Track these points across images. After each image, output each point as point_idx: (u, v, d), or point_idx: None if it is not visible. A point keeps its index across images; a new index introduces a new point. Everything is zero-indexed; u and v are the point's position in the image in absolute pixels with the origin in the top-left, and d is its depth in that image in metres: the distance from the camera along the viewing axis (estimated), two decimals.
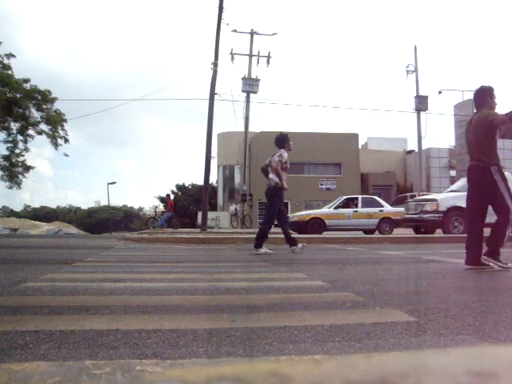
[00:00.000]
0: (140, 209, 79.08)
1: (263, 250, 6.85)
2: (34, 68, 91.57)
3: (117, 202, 77.26)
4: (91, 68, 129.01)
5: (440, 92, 24.91)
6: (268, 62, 21.77)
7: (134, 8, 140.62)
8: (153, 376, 0.65)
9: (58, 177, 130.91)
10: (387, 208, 15.38)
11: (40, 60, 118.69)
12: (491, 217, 4.19)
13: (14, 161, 23.12)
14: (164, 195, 34.13)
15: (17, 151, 23.31)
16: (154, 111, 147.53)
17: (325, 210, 15.53)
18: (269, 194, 7.08)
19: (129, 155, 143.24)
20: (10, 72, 21.69)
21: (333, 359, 0.80)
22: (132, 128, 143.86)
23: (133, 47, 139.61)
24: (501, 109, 4.66)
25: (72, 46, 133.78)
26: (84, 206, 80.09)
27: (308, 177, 29.58)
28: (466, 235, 4.62)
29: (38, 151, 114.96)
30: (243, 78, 21.12)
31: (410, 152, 32.69)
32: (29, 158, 24.35)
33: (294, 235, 8.54)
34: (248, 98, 20.95)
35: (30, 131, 23.10)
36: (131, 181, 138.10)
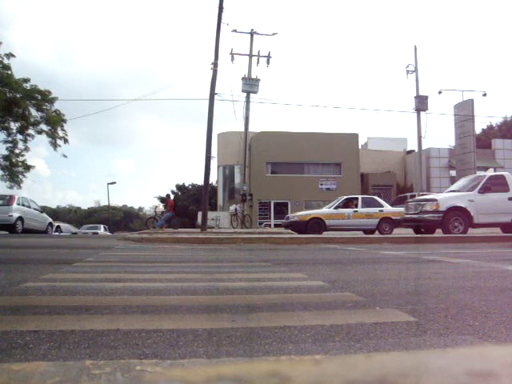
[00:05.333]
0: (140, 209, 79.23)
1: None
2: (28, 67, 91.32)
3: (117, 202, 77.27)
4: (88, 67, 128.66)
5: (440, 92, 24.91)
6: (268, 62, 21.78)
7: (133, 7, 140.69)
8: (153, 376, 0.65)
9: (56, 177, 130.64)
10: (387, 208, 15.38)
11: (34, 59, 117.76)
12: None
13: (14, 161, 23.16)
14: (164, 195, 34.17)
15: (17, 151, 23.37)
16: (154, 111, 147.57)
17: (325, 210, 15.52)
18: None
19: (129, 155, 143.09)
20: (9, 72, 21.71)
21: (333, 359, 0.80)
22: (132, 128, 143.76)
23: (132, 47, 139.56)
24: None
25: (68, 45, 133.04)
26: (84, 206, 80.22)
27: (308, 177, 29.58)
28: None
29: (34, 151, 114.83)
30: (243, 78, 21.12)
31: (409, 152, 32.69)
32: (27, 158, 24.37)
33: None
34: (248, 98, 20.95)
35: (30, 130, 23.15)
36: (131, 181, 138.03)
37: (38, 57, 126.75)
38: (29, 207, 17.22)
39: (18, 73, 22.27)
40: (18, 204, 16.38)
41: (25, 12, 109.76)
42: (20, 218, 16.06)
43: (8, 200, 16.06)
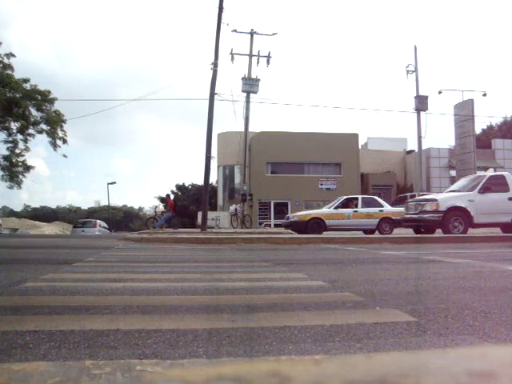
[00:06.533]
0: (140, 209, 79.27)
1: None
2: (26, 67, 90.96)
3: (117, 202, 77.28)
4: (87, 67, 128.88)
5: (440, 92, 24.90)
6: (268, 62, 21.78)
7: (133, 7, 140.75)
8: (153, 376, 0.65)
9: (56, 177, 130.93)
10: (387, 208, 15.37)
11: (32, 59, 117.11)
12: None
13: (14, 161, 23.16)
14: (164, 195, 34.17)
15: (17, 151, 23.37)
16: (154, 111, 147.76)
17: (325, 210, 15.52)
18: None
19: (128, 155, 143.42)
20: (10, 72, 21.71)
21: (333, 359, 0.80)
22: (131, 128, 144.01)
23: (131, 46, 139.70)
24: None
25: (66, 45, 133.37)
26: (84, 206, 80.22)
27: (308, 177, 29.58)
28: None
29: (34, 151, 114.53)
30: (243, 78, 21.11)
31: (409, 152, 32.69)
32: (27, 158, 24.43)
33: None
34: (248, 98, 20.94)
35: (30, 130, 23.16)
36: (131, 181, 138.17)
37: (37, 56, 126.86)
38: (105, 228, 28.67)
39: (16, 72, 22.28)
40: (100, 226, 27.79)
41: (22, 11, 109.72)
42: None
43: (93, 224, 28.07)
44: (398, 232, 14.04)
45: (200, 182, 32.49)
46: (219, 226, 23.97)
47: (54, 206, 77.29)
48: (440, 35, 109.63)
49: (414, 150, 29.44)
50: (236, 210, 20.07)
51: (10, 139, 23.11)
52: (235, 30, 20.89)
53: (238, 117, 30.13)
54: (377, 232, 14.63)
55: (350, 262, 5.82)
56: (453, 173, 28.08)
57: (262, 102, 36.07)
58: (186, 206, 37.88)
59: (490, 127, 42.65)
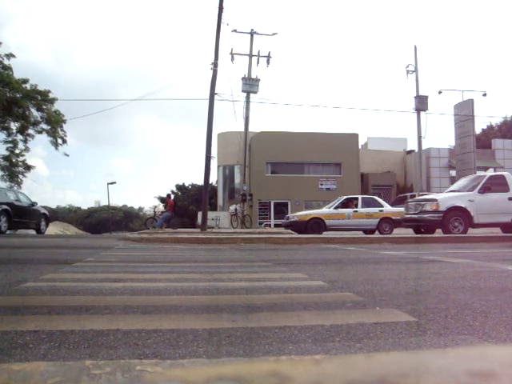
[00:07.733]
0: (140, 209, 79.30)
1: None
2: (25, 67, 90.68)
3: (117, 202, 77.31)
4: (86, 67, 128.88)
5: (440, 92, 24.89)
6: (268, 62, 21.79)
7: (133, 6, 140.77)
8: (153, 376, 0.65)
9: (55, 177, 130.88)
10: (387, 208, 15.38)
11: (30, 58, 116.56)
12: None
13: (14, 161, 23.17)
14: (164, 195, 34.21)
15: (17, 151, 23.38)
16: (154, 111, 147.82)
17: (325, 210, 15.52)
18: None
19: (128, 155, 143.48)
20: (10, 73, 21.72)
21: (333, 359, 0.80)
22: (131, 128, 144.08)
23: (131, 46, 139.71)
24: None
25: (66, 45, 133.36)
26: (84, 206, 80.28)
27: (308, 177, 29.58)
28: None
29: (33, 151, 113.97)
30: (243, 78, 21.12)
31: (409, 152, 32.70)
32: (26, 158, 24.37)
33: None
34: (248, 98, 20.94)
35: (30, 130, 23.16)
36: (131, 181, 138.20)
37: (36, 56, 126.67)
38: None
39: (15, 72, 22.26)
40: None
41: (21, 11, 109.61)
42: None
43: None
44: (398, 232, 14.03)
45: (200, 182, 32.56)
46: (219, 225, 23.97)
47: (53, 206, 77.43)
48: (440, 35, 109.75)
49: (413, 150, 29.44)
50: (236, 209, 20.07)
51: (10, 139, 23.13)
52: (235, 30, 20.91)
53: (238, 117, 30.24)
54: (377, 232, 14.63)
55: (350, 261, 5.82)
56: (453, 173, 28.07)
57: (262, 102, 36.12)
58: (186, 206, 37.88)
59: (490, 127, 42.65)
